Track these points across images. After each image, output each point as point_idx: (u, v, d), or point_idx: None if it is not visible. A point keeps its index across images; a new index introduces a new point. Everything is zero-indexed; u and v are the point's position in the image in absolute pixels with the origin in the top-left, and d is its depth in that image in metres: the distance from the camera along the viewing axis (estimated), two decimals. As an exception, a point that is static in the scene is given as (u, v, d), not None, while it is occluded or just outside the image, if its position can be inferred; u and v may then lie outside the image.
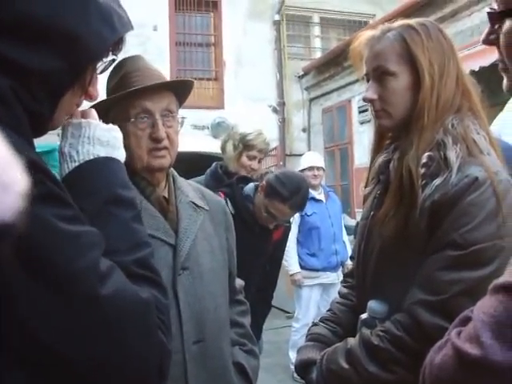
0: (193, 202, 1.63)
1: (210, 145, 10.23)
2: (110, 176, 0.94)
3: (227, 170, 3.12)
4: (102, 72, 0.98)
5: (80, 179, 0.90)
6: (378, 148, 1.59)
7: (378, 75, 1.46)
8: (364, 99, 1.50)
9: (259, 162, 3.19)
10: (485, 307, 0.71)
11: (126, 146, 1.51)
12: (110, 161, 0.96)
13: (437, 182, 1.32)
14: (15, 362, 0.70)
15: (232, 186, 2.84)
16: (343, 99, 9.50)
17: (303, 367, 1.59)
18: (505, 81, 0.89)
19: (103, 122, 1.55)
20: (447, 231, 1.29)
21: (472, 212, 1.27)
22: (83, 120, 0.97)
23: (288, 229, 3.25)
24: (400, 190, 1.39)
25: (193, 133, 10.05)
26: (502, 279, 0.72)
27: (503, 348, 0.65)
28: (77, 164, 0.92)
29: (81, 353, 0.73)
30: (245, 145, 3.14)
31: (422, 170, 1.34)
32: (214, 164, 3.22)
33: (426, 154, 1.35)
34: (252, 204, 2.76)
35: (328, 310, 1.76)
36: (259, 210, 2.70)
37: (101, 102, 1.50)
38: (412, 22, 1.46)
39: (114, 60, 0.97)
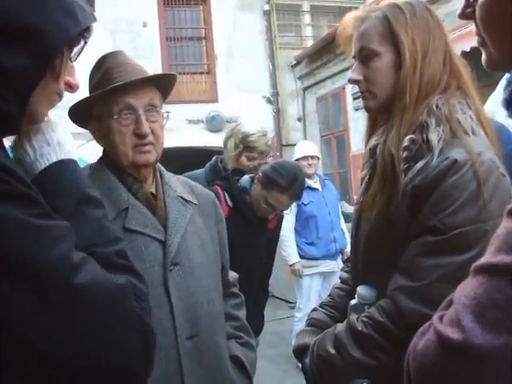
0: (181, 197, 1.62)
1: (205, 138, 10.23)
2: (78, 177, 0.96)
3: (227, 164, 3.11)
4: (75, 59, 0.97)
5: (51, 181, 0.91)
6: (371, 131, 1.58)
7: (363, 56, 1.45)
8: (349, 80, 1.49)
9: (258, 164, 3.16)
10: (465, 290, 0.70)
11: (111, 143, 1.52)
12: (73, 162, 0.97)
13: (418, 165, 1.29)
14: None
15: (228, 179, 2.83)
16: (337, 86, 9.47)
17: (299, 352, 1.59)
18: (483, 56, 0.87)
19: (86, 119, 1.55)
20: (427, 216, 1.27)
21: (452, 195, 1.24)
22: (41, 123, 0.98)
23: (281, 218, 3.24)
24: (384, 174, 1.38)
25: (188, 127, 10.05)
26: (482, 260, 0.71)
27: (484, 331, 0.64)
28: (43, 167, 0.93)
29: (60, 345, 0.73)
30: (246, 145, 3.10)
31: (405, 154, 1.33)
32: (214, 157, 3.20)
33: (408, 136, 1.33)
34: (249, 196, 2.76)
35: (328, 296, 1.77)
36: (257, 202, 2.70)
37: (83, 99, 1.50)
38: (398, 1, 1.44)
39: (86, 43, 0.96)
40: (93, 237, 0.88)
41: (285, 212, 3.06)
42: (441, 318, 0.72)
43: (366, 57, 1.44)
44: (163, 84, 1.59)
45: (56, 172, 0.93)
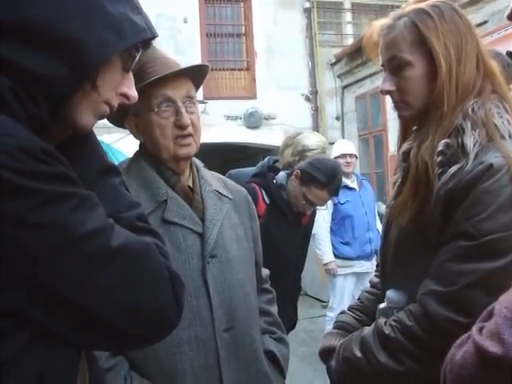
0: (217, 191, 1.65)
1: (243, 135, 10.26)
2: (98, 146, 1.00)
3: (277, 168, 3.10)
4: (130, 70, 0.99)
5: (73, 151, 0.94)
6: (404, 136, 1.56)
7: (394, 66, 1.42)
8: (381, 91, 1.47)
9: (293, 160, 3.14)
10: (507, 302, 0.68)
11: (151, 137, 1.53)
12: (91, 131, 1.00)
13: (453, 169, 1.27)
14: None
15: (264, 176, 2.84)
16: (376, 86, 9.34)
17: (325, 354, 1.58)
18: None
19: (121, 117, 1.56)
20: (460, 221, 1.24)
21: (486, 200, 1.22)
22: None
23: (314, 213, 3.23)
24: (416, 180, 1.37)
25: (226, 123, 10.09)
26: None
27: None
28: None
29: (105, 301, 0.82)
30: (303, 159, 3.07)
31: (439, 158, 1.30)
32: (267, 158, 3.15)
33: (443, 141, 1.31)
34: (286, 192, 2.77)
35: (357, 299, 1.76)
36: (295, 199, 2.71)
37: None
38: (423, 4, 1.41)
39: (138, 54, 0.99)
40: (115, 204, 0.94)
41: (320, 208, 3.06)
42: (480, 329, 0.70)
43: (396, 66, 1.41)
44: (197, 76, 1.61)
45: (77, 142, 0.96)
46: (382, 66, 1.46)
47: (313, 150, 3.12)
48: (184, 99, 1.53)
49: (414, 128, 1.52)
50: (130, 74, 1.00)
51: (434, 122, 1.35)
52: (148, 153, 1.58)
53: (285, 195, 2.77)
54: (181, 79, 1.53)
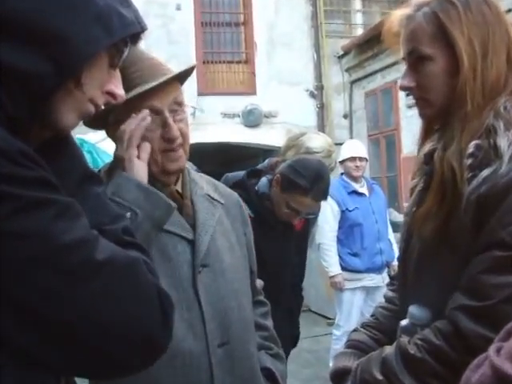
0: (208, 195, 1.66)
1: (241, 134, 10.27)
2: (79, 152, 1.01)
3: (259, 172, 3.07)
4: (117, 67, 0.99)
5: (55, 153, 0.95)
6: (425, 136, 1.55)
7: (414, 60, 1.42)
8: (400, 88, 1.47)
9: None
10: None
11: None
12: (72, 137, 1.01)
13: (485, 173, 1.25)
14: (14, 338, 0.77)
15: (244, 186, 2.74)
16: (388, 81, 9.39)
17: (338, 376, 1.57)
18: None
19: (104, 125, 1.55)
20: (494, 228, 1.23)
21: None
22: None
23: (308, 220, 3.22)
24: (442, 186, 1.35)
25: (223, 121, 10.11)
26: None
27: None
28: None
29: (86, 319, 0.81)
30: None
31: (469, 161, 1.29)
32: (267, 159, 3.13)
33: (473, 142, 1.30)
34: (269, 201, 2.70)
35: (371, 316, 1.74)
36: (279, 207, 2.66)
37: (101, 111, 1.50)
38: None
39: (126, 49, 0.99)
40: (99, 215, 0.94)
41: (310, 216, 3.04)
42: (498, 350, 0.69)
43: (416, 60, 1.41)
44: (184, 75, 1.58)
45: (57, 145, 0.97)
46: (403, 59, 1.46)
47: (317, 152, 3.11)
48: (172, 107, 1.50)
49: (437, 127, 1.51)
50: (117, 71, 0.99)
51: (459, 123, 1.35)
52: None
53: (269, 204, 2.70)
54: (168, 85, 1.49)
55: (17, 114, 0.83)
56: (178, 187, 1.61)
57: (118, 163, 1.39)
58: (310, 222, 3.28)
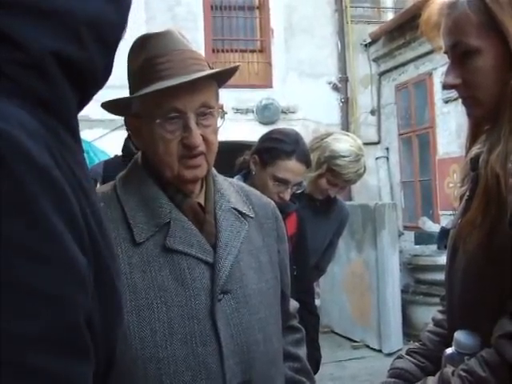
0: (235, 209, 1.62)
1: (255, 132, 10.21)
2: None
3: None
4: None
5: None
6: (474, 137, 1.54)
7: (459, 54, 1.41)
8: (444, 86, 1.46)
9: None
10: None
11: (153, 150, 1.52)
12: None
13: None
14: None
15: None
16: (422, 72, 9.37)
17: None
18: None
19: (124, 113, 1.56)
20: None
21: None
22: None
23: (302, 220, 3.21)
24: (486, 194, 1.35)
25: (234, 118, 10.10)
26: None
27: None
28: None
29: None
30: (330, 168, 3.09)
31: None
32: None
33: None
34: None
35: (418, 341, 1.73)
36: (265, 186, 2.66)
37: (120, 99, 1.52)
38: None
39: None
40: None
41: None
42: None
43: (462, 54, 1.40)
44: (223, 75, 1.58)
45: None
46: (445, 53, 1.45)
47: (344, 156, 3.10)
48: (199, 110, 1.48)
49: (487, 128, 1.50)
50: None
51: (507, 123, 1.34)
52: (150, 162, 1.56)
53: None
54: (197, 85, 1.47)
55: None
56: (201, 199, 1.58)
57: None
58: (302, 225, 3.25)
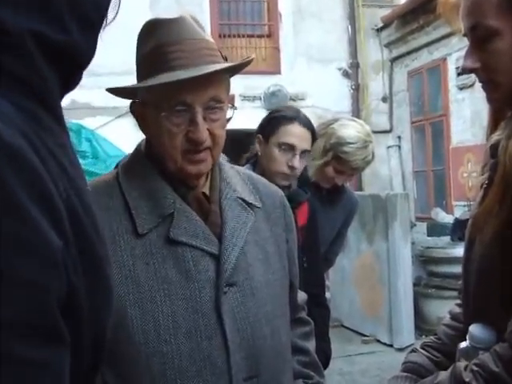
0: (242, 199, 1.61)
1: (262, 120, 10.25)
2: None
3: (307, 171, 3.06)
4: None
5: None
6: (494, 123, 1.53)
7: (478, 36, 1.40)
8: (463, 69, 1.44)
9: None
10: None
11: (157, 141, 1.52)
12: None
13: None
14: None
15: None
16: (436, 58, 9.33)
17: None
18: None
19: (131, 102, 1.56)
20: None
21: None
22: None
23: (313, 211, 3.20)
24: (504, 182, 1.34)
25: (241, 105, 10.06)
26: None
27: None
28: None
29: None
30: (336, 155, 3.07)
31: None
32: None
33: None
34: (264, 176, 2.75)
35: (434, 335, 1.72)
36: (274, 161, 2.69)
37: (127, 87, 1.53)
38: None
39: None
40: None
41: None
42: None
43: (481, 37, 1.38)
44: (235, 67, 1.56)
45: None
46: (465, 35, 1.44)
47: (351, 143, 3.08)
48: (207, 104, 1.47)
49: (509, 114, 1.49)
50: None
51: None
52: (154, 152, 1.56)
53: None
54: (211, 77, 1.45)
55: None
56: (206, 189, 1.58)
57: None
58: (314, 216, 3.25)
